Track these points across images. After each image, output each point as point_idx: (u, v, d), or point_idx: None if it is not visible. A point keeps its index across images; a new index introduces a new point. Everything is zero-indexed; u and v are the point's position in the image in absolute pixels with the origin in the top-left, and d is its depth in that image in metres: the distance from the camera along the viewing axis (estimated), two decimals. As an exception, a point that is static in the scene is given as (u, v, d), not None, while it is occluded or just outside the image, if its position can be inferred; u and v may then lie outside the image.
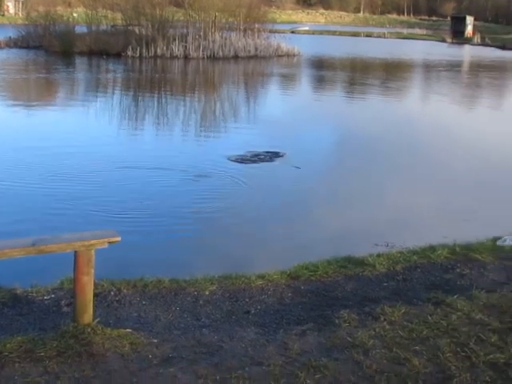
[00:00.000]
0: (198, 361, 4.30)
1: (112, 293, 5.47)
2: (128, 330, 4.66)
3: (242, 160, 12.41)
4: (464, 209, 10.00)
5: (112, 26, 38.81)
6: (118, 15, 38.59)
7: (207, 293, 5.54)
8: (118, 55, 34.45)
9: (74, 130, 15.52)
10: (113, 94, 23.64)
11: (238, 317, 5.13)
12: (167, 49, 35.07)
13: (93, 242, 4.50)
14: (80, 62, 33.34)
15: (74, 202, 9.56)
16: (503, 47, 59.64)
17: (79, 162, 11.90)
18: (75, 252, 4.46)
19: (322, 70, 36.79)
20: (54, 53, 35.28)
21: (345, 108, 21.63)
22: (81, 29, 38.10)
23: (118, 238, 4.62)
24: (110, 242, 4.61)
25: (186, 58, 35.24)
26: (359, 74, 34.87)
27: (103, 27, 38.24)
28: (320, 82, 30.02)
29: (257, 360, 4.33)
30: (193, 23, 37.27)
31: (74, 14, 43.72)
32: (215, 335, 4.73)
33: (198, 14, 37.58)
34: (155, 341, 4.55)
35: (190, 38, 36.19)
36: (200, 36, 36.52)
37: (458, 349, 4.56)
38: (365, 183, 11.41)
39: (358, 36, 70.72)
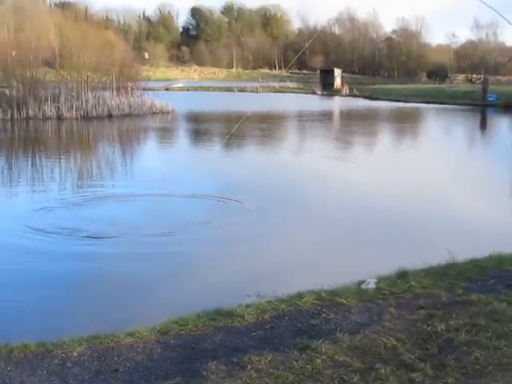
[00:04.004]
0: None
1: (-25, 361, 5.32)
2: (-9, 398, 4.56)
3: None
4: (334, 255, 10.34)
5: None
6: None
7: (75, 354, 5.47)
8: (-13, 118, 33.59)
9: None
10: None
11: (106, 376, 5.09)
12: (39, 110, 34.54)
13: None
14: None
15: None
16: (370, 97, 62.50)
17: None
18: None
19: (195, 125, 37.23)
20: None
21: (220, 162, 21.79)
22: None
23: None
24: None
25: (59, 118, 34.83)
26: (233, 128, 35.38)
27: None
28: (192, 137, 30.37)
29: (123, 418, 4.34)
30: (65, 83, 36.94)
31: None
32: (82, 396, 4.70)
33: (69, 73, 37.33)
34: (20, 407, 4.47)
35: (62, 99, 35.83)
36: (72, 96, 36.25)
37: (322, 391, 4.72)
38: (242, 236, 11.56)
39: (232, 91, 72.11)
